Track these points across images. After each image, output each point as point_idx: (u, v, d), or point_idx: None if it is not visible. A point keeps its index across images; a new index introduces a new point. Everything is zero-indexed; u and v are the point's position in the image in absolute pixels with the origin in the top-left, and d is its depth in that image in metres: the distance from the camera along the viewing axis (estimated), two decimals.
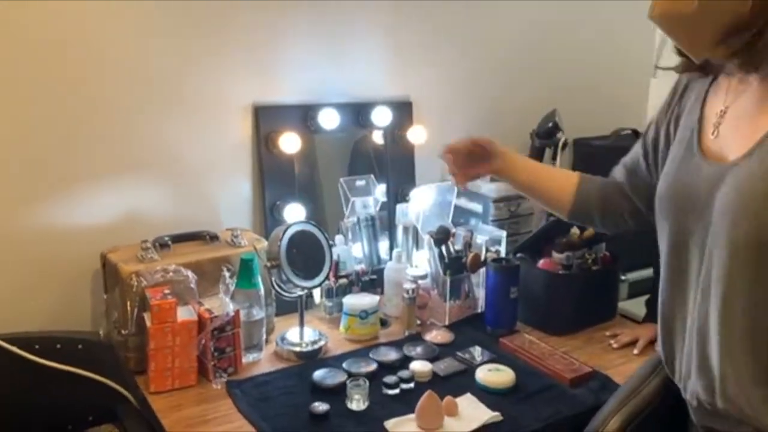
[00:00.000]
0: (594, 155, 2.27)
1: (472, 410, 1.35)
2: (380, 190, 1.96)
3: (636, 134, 2.37)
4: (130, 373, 1.46)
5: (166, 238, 1.56)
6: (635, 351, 1.63)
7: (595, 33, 2.37)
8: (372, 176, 1.93)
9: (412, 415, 1.32)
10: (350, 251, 1.85)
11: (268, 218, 1.79)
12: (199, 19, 1.65)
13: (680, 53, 1.02)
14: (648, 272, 2.07)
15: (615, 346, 1.66)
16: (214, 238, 1.62)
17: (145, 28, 1.60)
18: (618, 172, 1.33)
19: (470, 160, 1.36)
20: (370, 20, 1.90)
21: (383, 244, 1.97)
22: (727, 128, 0.97)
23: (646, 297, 1.89)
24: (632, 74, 2.52)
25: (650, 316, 1.73)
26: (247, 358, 1.53)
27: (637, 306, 1.94)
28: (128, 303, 1.41)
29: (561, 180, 1.38)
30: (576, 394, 1.43)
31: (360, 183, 1.92)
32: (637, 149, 1.28)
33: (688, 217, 1.00)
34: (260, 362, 1.55)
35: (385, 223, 1.97)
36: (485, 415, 1.33)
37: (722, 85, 1.00)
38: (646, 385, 1.19)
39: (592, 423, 1.16)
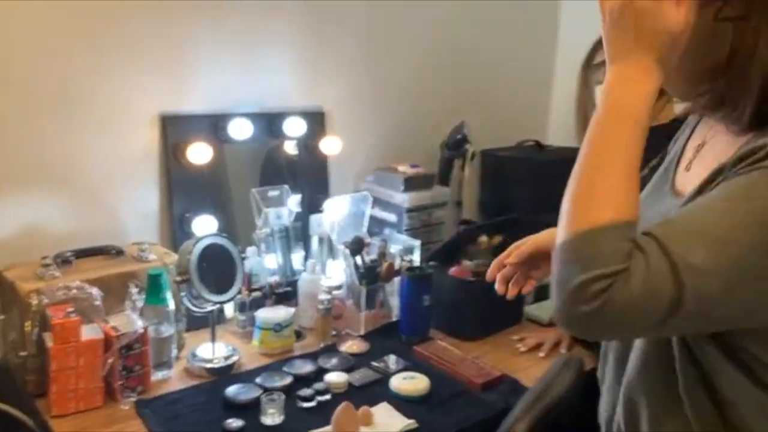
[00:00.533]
0: (499, 166, 2.35)
1: (388, 419, 1.37)
2: (294, 201, 1.94)
3: (539, 145, 2.48)
4: (30, 397, 1.38)
5: (69, 254, 1.49)
6: (541, 354, 1.70)
7: (499, 49, 2.45)
8: (286, 186, 1.91)
9: (328, 428, 1.32)
10: (263, 263, 1.83)
11: (177, 231, 1.74)
12: (103, 24, 1.59)
13: None
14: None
15: (522, 349, 1.72)
16: (119, 252, 1.56)
17: (44, 33, 1.52)
18: None
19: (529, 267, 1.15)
20: (282, 29, 1.89)
21: (297, 256, 1.95)
22: (697, 163, 0.91)
23: (549, 301, 1.97)
24: (534, 88, 2.63)
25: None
26: (157, 376, 1.48)
27: (541, 309, 2.03)
28: (27, 323, 1.34)
29: None
30: (486, 397, 1.48)
31: (273, 193, 1.90)
32: None
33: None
34: (170, 380, 1.51)
35: (299, 233, 1.96)
36: (400, 423, 1.35)
37: (709, 119, 0.94)
38: (554, 386, 1.24)
39: (503, 426, 1.19)
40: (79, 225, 1.63)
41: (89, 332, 1.36)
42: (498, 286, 1.16)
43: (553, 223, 1.57)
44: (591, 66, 1.64)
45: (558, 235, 0.73)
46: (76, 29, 1.57)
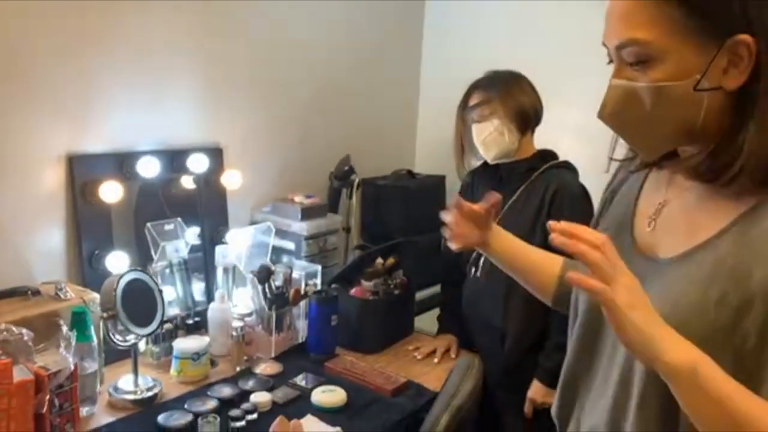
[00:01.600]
0: (378, 193, 2.57)
1: (316, 429, 1.51)
2: (192, 233, 2.02)
3: (410, 173, 2.74)
4: None
5: None
6: (435, 360, 1.93)
7: (374, 92, 2.72)
8: (179, 219, 1.98)
9: None
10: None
11: (85, 269, 1.76)
12: (6, 63, 1.60)
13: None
14: (431, 290, 2.43)
15: (419, 357, 1.94)
16: (35, 293, 1.57)
17: None
18: None
19: (469, 224, 1.21)
20: (183, 70, 1.98)
21: (197, 287, 2.03)
22: (664, 222, 0.91)
23: (431, 312, 2.23)
24: (404, 123, 2.91)
25: (442, 329, 2.05)
26: (82, 412, 1.51)
27: (423, 320, 2.27)
28: None
29: (546, 268, 1.21)
30: (397, 401, 1.68)
31: (168, 227, 1.96)
32: None
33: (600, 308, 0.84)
34: (96, 415, 1.54)
35: (199, 265, 2.03)
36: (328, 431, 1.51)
37: (663, 176, 0.93)
38: (460, 390, 1.46)
39: (426, 424, 1.39)
40: None
41: (19, 373, 1.36)
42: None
43: (425, 242, 1.87)
44: (466, 108, 1.89)
45: None
46: None
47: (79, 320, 1.50)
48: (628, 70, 0.84)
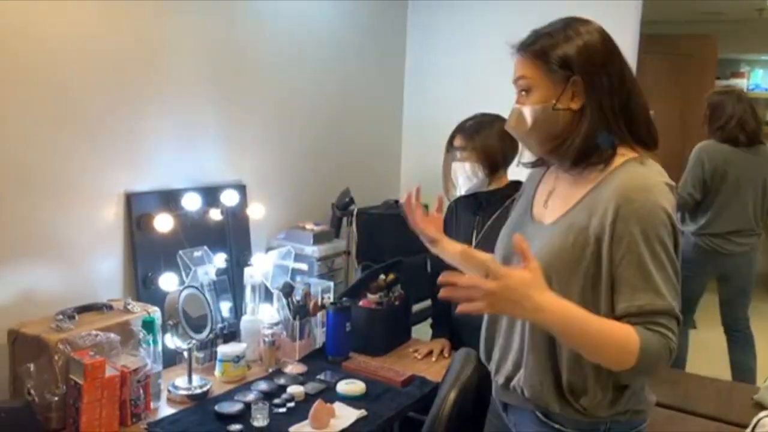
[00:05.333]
0: (371, 222, 2.92)
1: (345, 412, 1.86)
2: (220, 258, 2.34)
3: (398, 203, 3.12)
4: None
5: (71, 311, 1.79)
6: (433, 359, 2.29)
7: (366, 133, 3.13)
8: (205, 247, 2.31)
9: (306, 422, 1.77)
10: None
11: (140, 288, 2.09)
12: (71, 118, 1.94)
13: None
14: (422, 305, 2.79)
15: (419, 357, 2.30)
16: (109, 307, 1.89)
17: (24, 124, 1.83)
18: None
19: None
20: (210, 119, 2.35)
21: (225, 305, 2.35)
22: (552, 202, 1.38)
23: (423, 322, 2.59)
24: (390, 158, 3.32)
25: (436, 334, 2.42)
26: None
27: (415, 331, 2.63)
28: (58, 367, 1.64)
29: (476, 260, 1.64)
30: (407, 390, 2.03)
31: (197, 254, 2.29)
32: None
33: (512, 254, 1.36)
34: (160, 407, 1.85)
35: (225, 286, 2.36)
36: (355, 413, 1.85)
37: (552, 173, 1.41)
38: (462, 372, 1.81)
39: (438, 399, 1.75)
40: (61, 287, 1.93)
41: (108, 370, 1.69)
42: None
43: (413, 263, 2.29)
44: (451, 148, 2.28)
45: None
46: (54, 127, 1.90)
47: (148, 328, 1.83)
48: (521, 98, 1.35)
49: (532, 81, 1.32)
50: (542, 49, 1.31)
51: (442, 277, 1.17)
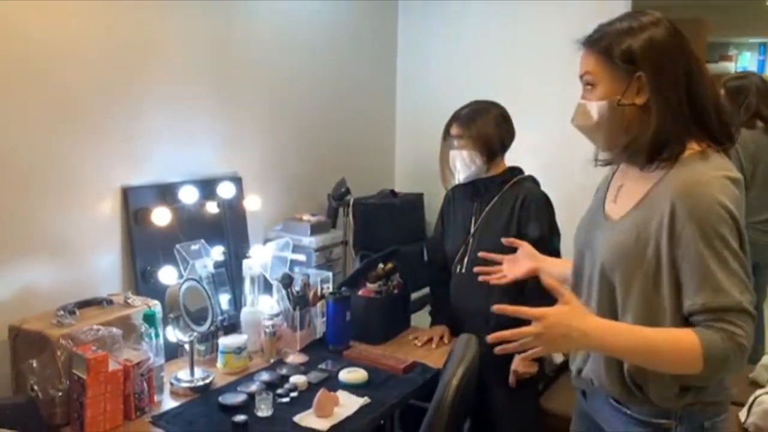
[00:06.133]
0: (367, 212, 2.93)
1: (348, 400, 1.87)
2: (218, 251, 2.34)
3: (393, 193, 3.13)
4: (56, 427, 1.66)
5: (72, 306, 1.79)
6: (433, 345, 2.30)
7: (360, 125, 3.12)
8: (203, 240, 2.31)
9: (310, 410, 1.78)
10: None
11: (139, 282, 2.08)
12: (70, 113, 1.93)
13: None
14: (420, 293, 2.80)
15: (419, 344, 2.31)
16: (109, 302, 1.88)
17: (21, 121, 1.82)
18: None
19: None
20: (206, 113, 2.34)
21: (224, 297, 2.35)
22: (621, 198, 1.38)
23: (422, 310, 2.61)
24: (384, 147, 3.32)
25: (435, 321, 2.43)
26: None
27: (417, 317, 2.64)
28: (60, 362, 1.63)
29: (564, 267, 1.63)
30: (409, 377, 2.05)
31: (194, 247, 2.28)
32: None
33: (584, 250, 1.43)
34: (164, 400, 1.86)
35: (223, 279, 2.36)
36: (358, 401, 1.86)
37: (623, 169, 1.41)
38: (465, 357, 1.82)
39: (441, 384, 1.75)
40: (61, 282, 1.92)
41: (112, 364, 1.69)
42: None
43: (409, 251, 2.34)
44: (448, 137, 2.29)
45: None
46: (50, 126, 1.89)
47: (149, 321, 1.83)
48: (586, 93, 1.36)
49: (596, 76, 1.33)
50: (606, 45, 1.31)
51: (491, 338, 1.23)
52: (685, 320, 1.23)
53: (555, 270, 1.67)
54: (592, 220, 1.47)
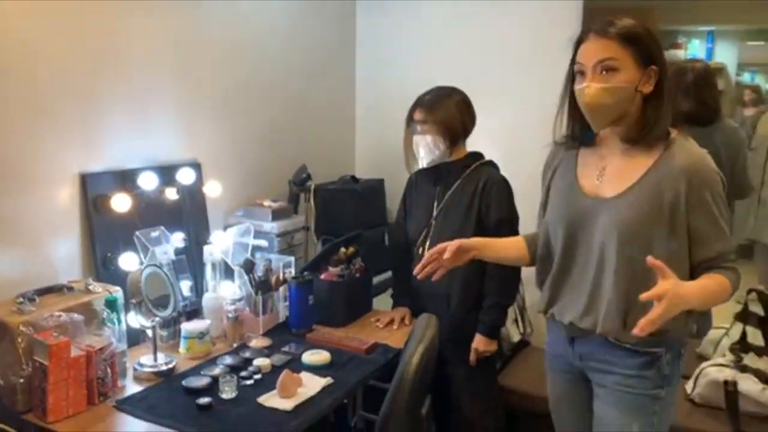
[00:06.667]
0: (328, 197, 2.96)
1: (311, 381, 1.90)
2: (178, 237, 2.33)
3: (354, 179, 3.16)
4: (18, 414, 1.66)
5: (32, 293, 1.78)
6: (395, 326, 2.35)
7: (321, 111, 3.14)
8: (162, 227, 2.30)
9: (273, 391, 1.81)
10: None
11: (100, 269, 2.07)
12: (29, 101, 1.91)
13: (571, 133, 1.65)
14: (382, 276, 2.84)
15: (380, 326, 2.36)
16: (70, 288, 1.88)
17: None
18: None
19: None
20: (166, 99, 2.33)
21: (185, 284, 2.35)
22: (608, 178, 1.58)
23: (384, 293, 2.65)
24: (345, 134, 3.34)
25: (397, 303, 2.48)
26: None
27: (379, 300, 2.68)
28: (21, 349, 1.63)
29: (515, 248, 1.83)
30: (371, 357, 2.09)
31: (154, 234, 2.28)
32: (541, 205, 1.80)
33: (576, 227, 1.61)
34: (126, 385, 1.86)
35: (184, 265, 2.36)
36: (321, 381, 1.89)
37: (596, 153, 1.62)
38: (425, 334, 1.87)
39: (402, 360, 1.80)
40: (19, 270, 1.90)
41: (74, 350, 1.69)
42: (420, 273, 1.73)
43: (371, 236, 2.42)
44: (412, 123, 2.32)
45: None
46: (6, 107, 1.86)
47: (111, 307, 1.83)
48: (599, 77, 1.50)
49: (620, 63, 1.49)
50: (633, 37, 1.49)
51: (644, 297, 1.36)
52: (692, 267, 1.53)
53: (510, 254, 1.84)
54: (572, 201, 1.64)
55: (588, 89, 1.50)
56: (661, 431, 1.65)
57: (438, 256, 1.70)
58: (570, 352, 1.71)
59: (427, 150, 2.26)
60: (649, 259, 1.38)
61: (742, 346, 2.41)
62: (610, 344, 1.60)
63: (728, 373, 2.27)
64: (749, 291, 2.52)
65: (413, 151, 2.31)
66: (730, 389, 2.23)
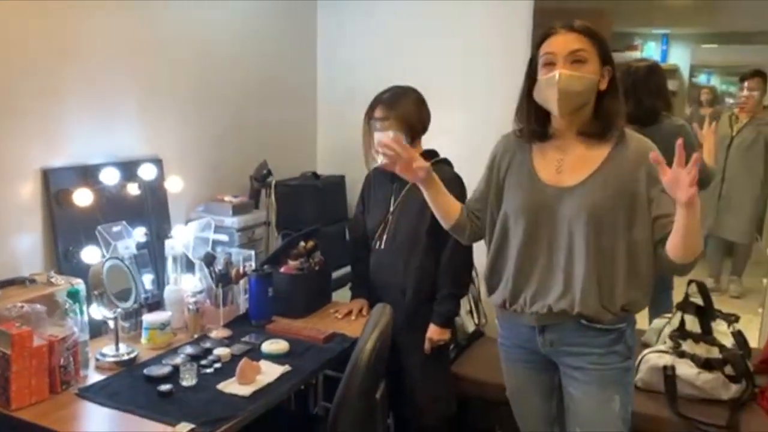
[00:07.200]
0: (289, 193, 3.02)
1: (270, 368, 1.97)
2: (138, 232, 2.38)
3: (315, 175, 3.23)
4: None
5: None
6: (353, 317, 2.43)
7: (282, 108, 3.20)
8: (124, 222, 2.35)
9: (233, 379, 1.88)
10: None
11: (62, 262, 2.12)
12: None
13: (529, 127, 1.78)
14: (341, 271, 2.92)
15: (339, 317, 2.44)
16: (32, 281, 1.92)
17: None
18: (471, 205, 1.96)
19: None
20: (127, 95, 2.38)
21: (147, 277, 2.40)
22: (568, 168, 1.73)
23: (343, 288, 2.74)
24: (306, 131, 3.42)
25: (355, 294, 2.56)
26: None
27: (338, 294, 2.76)
28: None
29: (452, 205, 1.94)
30: (329, 346, 2.17)
31: (116, 229, 2.32)
32: (481, 192, 1.94)
33: (539, 215, 1.73)
34: (89, 375, 1.91)
35: (146, 259, 2.41)
36: (279, 369, 1.97)
37: (551, 146, 1.77)
38: (380, 321, 1.96)
39: (355, 350, 1.89)
40: None
41: (36, 340, 1.73)
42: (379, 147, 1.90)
43: (332, 232, 2.53)
44: (372, 120, 2.39)
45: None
46: None
47: (74, 298, 1.88)
48: (569, 66, 1.65)
49: (588, 54, 1.66)
50: (596, 35, 1.69)
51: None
52: (655, 227, 1.67)
53: (446, 204, 1.95)
54: (533, 191, 1.77)
55: (561, 75, 1.64)
56: (631, 398, 1.83)
57: (400, 149, 1.80)
58: (538, 341, 1.80)
59: None
60: (653, 155, 1.51)
61: (680, 333, 2.55)
62: (582, 327, 1.73)
63: (667, 359, 2.41)
64: (689, 282, 2.67)
65: (374, 147, 2.38)
66: (668, 374, 2.37)
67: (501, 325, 1.94)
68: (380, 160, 2.40)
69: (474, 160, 2.56)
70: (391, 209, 2.41)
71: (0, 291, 1.82)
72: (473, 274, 2.63)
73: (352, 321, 2.41)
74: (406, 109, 2.34)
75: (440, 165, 2.40)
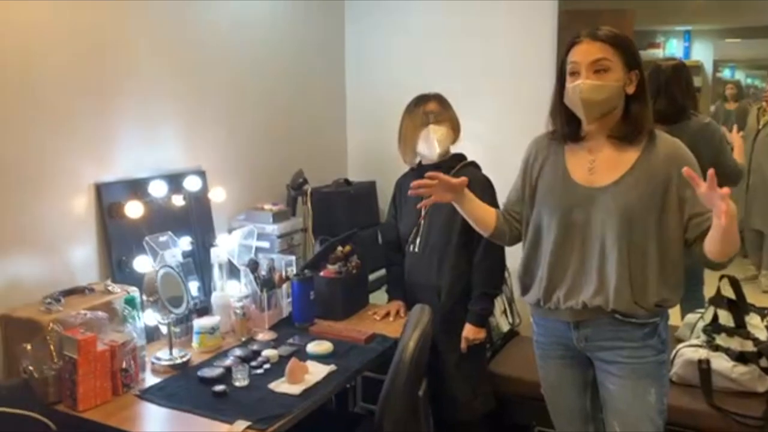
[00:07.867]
0: (324, 200, 3.11)
1: (317, 368, 2.06)
2: (186, 241, 2.49)
3: (347, 182, 3.32)
4: (50, 404, 1.81)
5: (57, 294, 1.93)
6: (391, 318, 2.51)
7: (312, 115, 3.31)
8: (170, 232, 2.45)
9: (283, 378, 1.97)
10: None
11: (115, 272, 2.23)
12: (48, 117, 2.06)
13: (562, 129, 1.84)
14: (376, 274, 3.00)
15: (378, 318, 2.52)
16: (91, 290, 2.03)
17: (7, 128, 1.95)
18: (510, 207, 2.01)
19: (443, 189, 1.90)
20: (172, 112, 2.50)
21: (193, 284, 2.50)
22: (600, 168, 1.78)
23: (379, 290, 2.82)
24: (336, 139, 3.52)
25: (392, 296, 2.64)
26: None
27: (374, 296, 2.84)
28: (52, 344, 1.78)
29: (488, 214, 2.00)
30: (370, 346, 2.26)
31: (163, 239, 2.42)
32: (517, 192, 1.99)
33: (572, 214, 1.79)
34: (146, 378, 2.01)
35: (191, 267, 2.51)
36: (326, 369, 2.06)
37: (583, 147, 1.82)
38: (420, 321, 2.04)
39: (400, 345, 1.96)
40: (42, 275, 2.05)
41: (99, 345, 1.84)
42: (413, 191, 1.94)
43: (365, 236, 2.63)
44: (425, 113, 2.43)
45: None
46: (27, 124, 2.02)
47: (131, 305, 1.98)
48: (593, 75, 1.71)
49: (611, 63, 1.71)
50: (621, 43, 1.73)
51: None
52: (688, 227, 1.73)
53: (482, 214, 2.00)
54: (566, 191, 1.83)
55: (583, 85, 1.71)
56: (667, 390, 1.88)
57: (434, 180, 1.87)
58: (573, 336, 1.86)
59: (442, 139, 2.43)
60: (685, 170, 1.55)
61: (714, 327, 2.58)
62: (617, 321, 1.79)
63: (702, 353, 2.45)
64: (721, 277, 2.71)
65: (422, 140, 2.44)
66: (703, 367, 2.41)
67: (536, 322, 2.00)
68: (432, 152, 2.45)
69: (499, 163, 2.65)
70: (423, 213, 2.48)
71: (63, 299, 1.93)
72: (506, 274, 2.70)
73: (391, 322, 2.49)
74: (453, 112, 2.47)
75: (469, 168, 2.48)
